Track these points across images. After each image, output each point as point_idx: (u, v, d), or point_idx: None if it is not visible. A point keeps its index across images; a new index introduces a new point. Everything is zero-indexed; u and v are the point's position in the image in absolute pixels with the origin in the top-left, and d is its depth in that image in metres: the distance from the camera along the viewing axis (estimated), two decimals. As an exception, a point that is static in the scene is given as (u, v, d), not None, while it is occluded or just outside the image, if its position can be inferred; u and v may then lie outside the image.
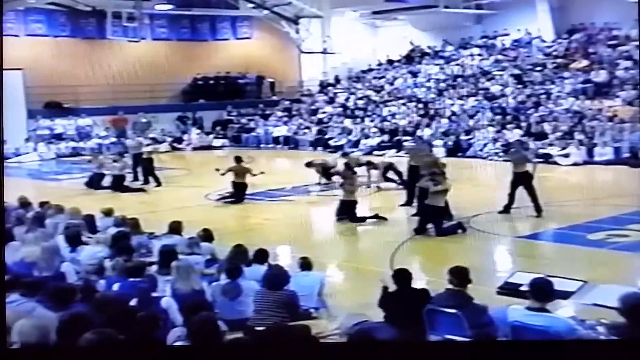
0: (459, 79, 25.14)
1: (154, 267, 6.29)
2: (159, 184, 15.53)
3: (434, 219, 9.86)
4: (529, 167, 11.15)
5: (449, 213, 10.84)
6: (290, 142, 24.54)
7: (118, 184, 14.83)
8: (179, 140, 25.31)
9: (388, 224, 10.92)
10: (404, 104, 24.37)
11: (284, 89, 29.57)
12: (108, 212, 8.90)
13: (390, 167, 14.36)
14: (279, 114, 26.97)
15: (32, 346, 3.44)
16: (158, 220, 10.08)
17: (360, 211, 11.20)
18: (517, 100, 21.98)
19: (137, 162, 16.07)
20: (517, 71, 24.09)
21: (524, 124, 20.21)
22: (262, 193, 14.04)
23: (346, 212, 11.10)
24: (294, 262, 7.31)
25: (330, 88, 28.74)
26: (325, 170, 14.67)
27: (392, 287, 5.57)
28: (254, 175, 13.23)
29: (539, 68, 23.58)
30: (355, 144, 22.36)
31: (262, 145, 25.03)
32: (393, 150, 20.99)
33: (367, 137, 22.55)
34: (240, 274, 5.80)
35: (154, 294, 5.25)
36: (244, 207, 12.95)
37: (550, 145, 18.64)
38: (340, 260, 9.05)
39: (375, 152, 21.16)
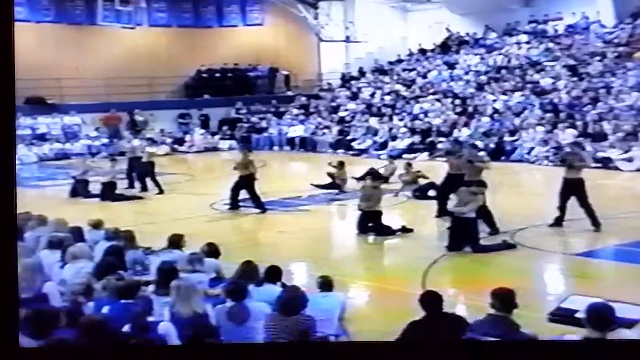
0: (503, 71, 25.01)
1: (151, 287, 6.32)
2: (160, 191, 15.64)
3: (468, 232, 9.80)
4: (583, 174, 11.03)
5: (493, 226, 10.77)
6: (308, 144, 24.62)
7: (109, 192, 14.96)
8: (181, 141, 25.52)
9: (420, 238, 10.90)
10: (438, 100, 24.30)
11: (300, 83, 29.68)
12: (97, 224, 8.94)
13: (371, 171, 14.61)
14: (295, 111, 27.08)
15: (45, 346, 3.48)
16: (156, 233, 10.13)
17: (386, 222, 11.20)
18: (572, 96, 21.79)
19: (133, 166, 16.19)
20: (571, 62, 23.90)
21: (579, 123, 20.01)
22: (276, 202, 14.08)
23: (370, 224, 11.06)
24: (311, 282, 7.31)
25: (353, 82, 28.80)
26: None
27: (419, 314, 5.50)
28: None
29: (597, 58, 23.36)
30: (382, 146, 22.34)
31: (275, 148, 25.17)
32: (425, 154, 20.92)
33: (395, 138, 22.51)
34: (245, 295, 5.80)
35: (150, 318, 5.26)
36: (254, 218, 13.00)
37: (611, 147, 18.43)
38: (364, 279, 9.03)
39: (405, 156, 21.14)
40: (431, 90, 25.34)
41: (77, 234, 8.22)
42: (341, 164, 15.89)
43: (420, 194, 13.98)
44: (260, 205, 13.09)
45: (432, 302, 5.39)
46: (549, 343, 3.53)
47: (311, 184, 15.55)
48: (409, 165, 14.59)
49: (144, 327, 5.05)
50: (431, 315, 5.34)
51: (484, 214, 10.75)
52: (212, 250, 7.59)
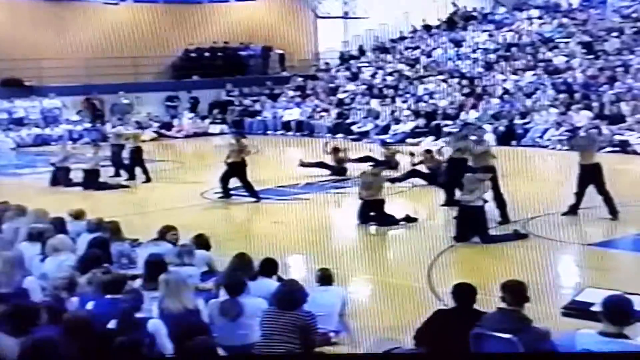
0: (513, 49, 24.95)
1: (138, 282, 6.33)
2: (148, 179, 15.63)
3: (476, 222, 9.81)
4: (597, 158, 11.03)
5: (504, 215, 10.78)
6: (304, 128, 24.58)
7: (92, 180, 14.93)
8: (168, 126, 25.47)
9: (425, 229, 10.92)
10: (444, 81, 24.26)
11: (295, 63, 29.58)
12: (79, 215, 8.94)
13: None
14: (290, 93, 27.02)
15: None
16: (143, 224, 10.13)
17: (389, 211, 11.21)
18: (587, 75, 21.76)
19: (118, 153, 16.17)
20: (586, 38, 23.84)
21: (595, 105, 19.99)
22: (271, 191, 14.06)
23: (372, 213, 11.07)
24: (309, 275, 7.33)
25: (352, 61, 28.73)
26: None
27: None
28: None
29: (614, 34, 23.29)
30: (384, 130, 22.33)
31: (269, 132, 25.13)
32: (430, 138, 20.90)
33: (398, 121, 22.48)
34: (243, 289, 5.81)
35: (139, 315, 5.27)
36: (247, 208, 12.99)
37: (629, 130, 18.42)
38: (365, 272, 9.04)
39: (408, 140, 21.13)
40: (436, 70, 25.28)
41: (59, 225, 8.20)
42: (335, 150, 15.93)
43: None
44: (254, 194, 13.09)
45: (465, 295, 5.40)
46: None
47: (301, 163, 15.49)
48: (429, 152, 14.56)
49: (132, 324, 5.05)
50: (461, 308, 5.36)
51: (499, 201, 10.74)
52: (202, 242, 7.59)
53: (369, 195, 11.21)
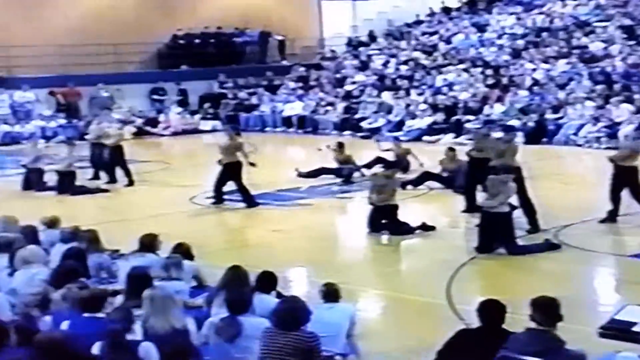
0: (544, 34, 24.95)
1: (119, 298, 6.35)
2: (131, 182, 15.67)
3: (501, 231, 9.80)
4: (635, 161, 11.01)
5: (534, 222, 10.78)
6: (307, 124, 24.62)
7: (67, 183, 14.98)
8: (154, 122, 25.54)
9: (444, 238, 10.92)
10: (465, 70, 24.27)
11: (297, 51, 29.63)
12: (53, 223, 8.96)
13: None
14: (292, 85, 27.07)
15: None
16: (125, 232, 10.14)
17: (403, 219, 11.21)
18: (628, 63, 21.73)
19: (98, 153, 16.20)
20: (627, 21, 23.80)
21: (637, 97, 19.96)
22: (269, 195, 14.08)
23: (383, 221, 11.09)
24: (313, 291, 7.33)
25: (362, 49, 28.76)
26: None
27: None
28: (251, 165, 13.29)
29: (658, 17, 23.28)
30: (398, 126, 22.34)
31: (267, 129, 25.17)
32: (450, 135, 20.91)
33: (414, 116, 22.48)
34: (247, 307, 5.82)
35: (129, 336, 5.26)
36: (243, 214, 13.01)
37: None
38: (376, 287, 9.04)
39: (425, 138, 21.13)
40: (457, 58, 25.28)
41: (30, 235, 8.24)
42: (340, 146, 15.97)
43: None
44: (249, 199, 13.11)
45: (492, 313, 5.39)
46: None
47: (297, 173, 15.56)
48: (451, 150, 14.56)
49: (122, 348, 5.05)
50: (487, 328, 5.34)
51: (527, 207, 10.74)
52: (183, 252, 7.62)
53: (381, 200, 11.21)
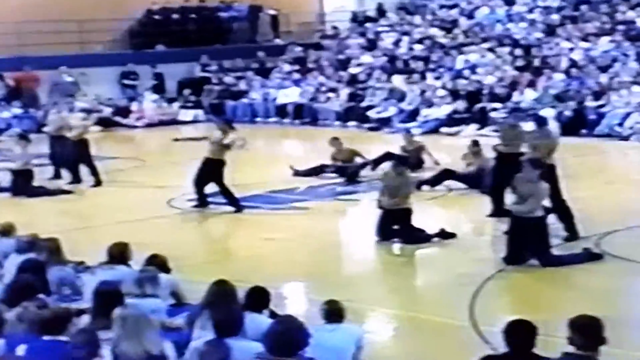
0: (583, 7, 24.92)
1: (85, 318, 6.34)
2: (98, 182, 15.69)
3: (534, 238, 9.79)
4: None
5: (572, 228, 10.77)
6: (305, 114, 24.62)
7: (23, 184, 14.97)
8: (125, 111, 25.55)
9: (467, 247, 10.90)
10: (490, 50, 24.25)
11: (293, 27, 29.61)
12: (7, 230, 8.94)
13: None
14: (287, 67, 27.06)
15: None
16: (91, 241, 10.13)
17: (418, 224, 11.22)
18: (682, 42, 21.74)
19: (60, 148, 16.20)
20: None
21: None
22: (260, 197, 14.07)
23: (395, 227, 11.09)
24: (313, 309, 7.37)
25: (369, 25, 28.73)
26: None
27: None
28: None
29: None
30: (411, 115, 22.33)
31: (258, 119, 25.18)
32: (473, 126, 20.90)
33: (430, 104, 22.47)
34: (238, 329, 5.81)
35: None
36: (230, 219, 13.00)
37: None
38: (387, 305, 9.04)
39: (444, 129, 21.12)
40: (480, 36, 25.27)
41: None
42: (335, 140, 15.98)
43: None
44: (233, 202, 13.11)
45: (521, 336, 5.37)
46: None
47: (293, 171, 15.59)
48: (476, 144, 14.56)
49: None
50: (516, 353, 5.34)
51: (562, 211, 10.73)
52: (160, 264, 7.63)
53: (393, 204, 11.19)
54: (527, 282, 9.49)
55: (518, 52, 23.72)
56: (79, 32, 26.03)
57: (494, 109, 21.21)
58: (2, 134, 22.16)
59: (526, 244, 9.84)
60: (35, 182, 15.24)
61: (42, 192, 15.03)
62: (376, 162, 15.62)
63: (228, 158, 13.25)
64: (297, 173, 15.63)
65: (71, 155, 16.00)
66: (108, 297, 6.32)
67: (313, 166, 15.82)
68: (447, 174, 14.38)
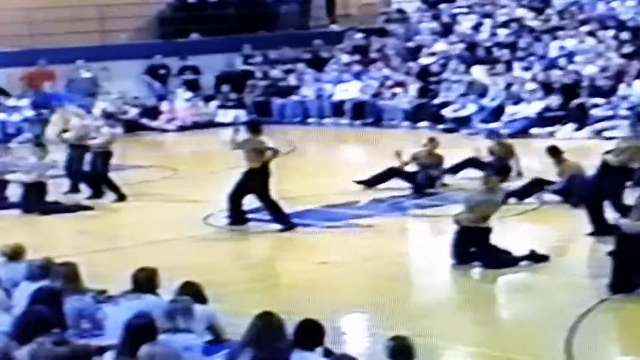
0: None
1: (108, 357, 6.39)
2: (121, 196, 15.86)
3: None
4: None
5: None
6: (367, 113, 24.64)
7: (35, 199, 15.15)
8: (153, 112, 25.78)
9: (562, 271, 10.81)
10: (591, 34, 24.01)
11: (353, 10, 29.61)
12: (15, 253, 9.06)
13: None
14: (345, 58, 27.09)
15: None
16: (115, 266, 10.24)
17: (500, 244, 11.15)
18: None
19: (78, 158, 16.37)
20: None
21: None
22: (314, 213, 14.13)
23: (471, 248, 11.06)
24: (376, 347, 7.35)
25: (443, 6, 28.60)
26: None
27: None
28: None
29: None
30: (495, 114, 22.19)
31: (311, 120, 25.26)
32: (569, 126, 20.69)
33: (517, 100, 22.32)
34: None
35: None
36: (275, 239, 13.04)
37: None
38: (466, 342, 8.99)
39: (534, 130, 20.95)
40: (578, 19, 25.03)
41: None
42: (432, 141, 15.96)
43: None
44: (281, 219, 13.15)
45: None
46: None
47: (357, 181, 15.62)
48: (554, 151, 14.46)
49: None
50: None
51: None
52: (194, 293, 7.65)
53: (470, 220, 11.16)
54: (638, 314, 9.38)
55: (625, 36, 23.45)
56: (100, 20, 26.33)
57: (596, 106, 20.99)
58: (12, 140, 22.43)
59: (638, 268, 9.74)
60: (50, 197, 15.41)
61: (58, 208, 15.22)
62: (455, 169, 15.56)
63: (274, 166, 13.32)
64: (361, 182, 15.56)
65: (92, 166, 16.17)
66: (140, 332, 6.33)
67: (379, 172, 15.70)
68: (539, 184, 14.26)
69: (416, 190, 15.23)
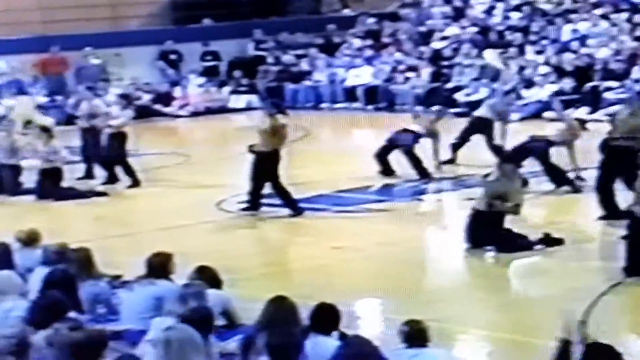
0: None
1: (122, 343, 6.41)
2: (136, 182, 15.88)
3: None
4: None
5: None
6: (380, 98, 24.63)
7: (50, 185, 15.22)
8: (166, 98, 25.82)
9: (576, 255, 10.79)
10: (604, 17, 23.90)
11: (365, -5, 29.58)
12: (31, 239, 9.09)
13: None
14: (357, 43, 27.05)
15: None
16: (129, 251, 10.26)
17: (514, 228, 11.13)
18: None
19: (93, 141, 16.41)
20: None
21: None
22: (326, 198, 14.14)
23: (485, 232, 11.06)
24: (390, 331, 7.34)
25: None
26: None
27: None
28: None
29: None
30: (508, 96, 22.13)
31: (324, 105, 25.26)
32: (583, 110, 20.62)
33: (529, 84, 22.25)
34: (296, 353, 5.80)
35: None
36: (290, 225, 13.06)
37: None
38: (480, 326, 8.99)
39: (547, 114, 20.86)
40: (592, 1, 24.91)
41: (2, 255, 8.41)
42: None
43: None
44: (290, 203, 13.15)
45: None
46: None
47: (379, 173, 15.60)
48: (583, 123, 14.39)
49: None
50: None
51: None
52: (208, 278, 7.66)
53: (485, 204, 11.14)
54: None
55: (638, 18, 23.35)
56: (111, 6, 26.34)
57: (609, 89, 20.91)
58: (28, 127, 22.48)
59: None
60: (64, 183, 15.48)
61: (72, 194, 15.28)
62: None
63: (286, 151, 13.31)
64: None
65: (106, 150, 16.18)
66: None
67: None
68: (554, 170, 14.17)
69: (422, 174, 15.19)
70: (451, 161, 15.92)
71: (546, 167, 13.92)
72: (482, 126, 16.08)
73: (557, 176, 13.98)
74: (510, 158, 13.38)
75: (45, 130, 15.97)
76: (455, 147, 16.06)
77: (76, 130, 17.17)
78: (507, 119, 16.63)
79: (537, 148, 14.13)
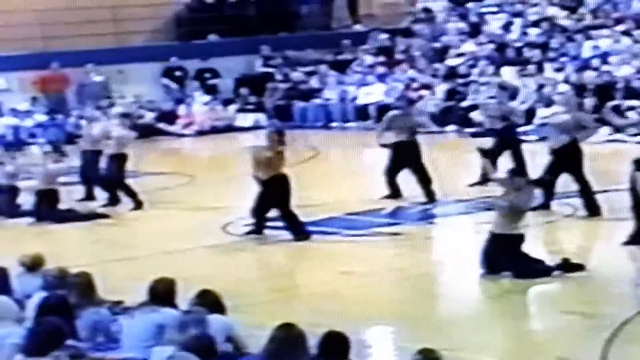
0: None
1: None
2: (138, 204, 15.92)
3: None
4: None
5: None
6: (392, 117, 24.64)
7: (49, 207, 15.23)
8: (170, 116, 25.89)
9: (596, 282, 10.76)
10: (626, 34, 23.89)
11: (377, 10, 29.60)
12: (34, 264, 9.09)
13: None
14: (369, 60, 27.09)
15: None
16: (131, 276, 10.24)
17: (532, 253, 11.10)
18: None
19: (93, 164, 16.43)
20: None
21: None
22: (336, 220, 14.12)
23: (502, 257, 11.03)
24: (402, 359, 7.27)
25: (471, 5, 28.55)
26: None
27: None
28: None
29: None
30: (527, 116, 22.05)
31: (334, 124, 25.28)
32: (604, 130, 20.60)
33: (549, 102, 22.21)
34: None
35: None
36: (298, 249, 13.05)
37: None
38: (496, 355, 8.95)
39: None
40: (614, 16, 24.92)
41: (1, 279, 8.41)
42: None
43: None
44: (297, 228, 13.13)
45: None
46: None
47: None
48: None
49: None
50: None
51: None
52: (211, 303, 7.64)
53: (499, 227, 11.12)
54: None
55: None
56: (114, 21, 26.41)
57: (631, 108, 20.89)
58: (27, 146, 22.53)
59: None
60: (63, 205, 15.49)
61: (72, 216, 15.28)
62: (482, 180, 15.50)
63: (295, 172, 13.31)
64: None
65: (107, 171, 16.21)
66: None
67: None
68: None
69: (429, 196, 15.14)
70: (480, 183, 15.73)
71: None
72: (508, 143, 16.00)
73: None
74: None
75: (57, 149, 15.98)
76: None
77: (76, 149, 17.21)
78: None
79: None
